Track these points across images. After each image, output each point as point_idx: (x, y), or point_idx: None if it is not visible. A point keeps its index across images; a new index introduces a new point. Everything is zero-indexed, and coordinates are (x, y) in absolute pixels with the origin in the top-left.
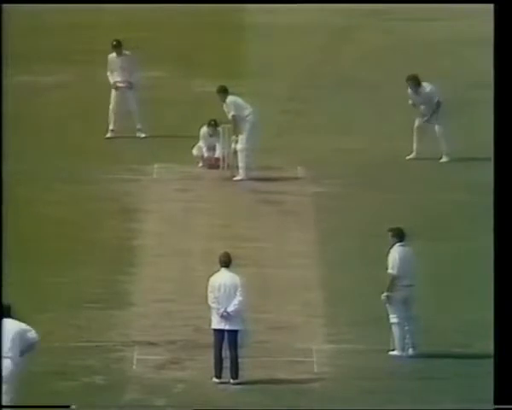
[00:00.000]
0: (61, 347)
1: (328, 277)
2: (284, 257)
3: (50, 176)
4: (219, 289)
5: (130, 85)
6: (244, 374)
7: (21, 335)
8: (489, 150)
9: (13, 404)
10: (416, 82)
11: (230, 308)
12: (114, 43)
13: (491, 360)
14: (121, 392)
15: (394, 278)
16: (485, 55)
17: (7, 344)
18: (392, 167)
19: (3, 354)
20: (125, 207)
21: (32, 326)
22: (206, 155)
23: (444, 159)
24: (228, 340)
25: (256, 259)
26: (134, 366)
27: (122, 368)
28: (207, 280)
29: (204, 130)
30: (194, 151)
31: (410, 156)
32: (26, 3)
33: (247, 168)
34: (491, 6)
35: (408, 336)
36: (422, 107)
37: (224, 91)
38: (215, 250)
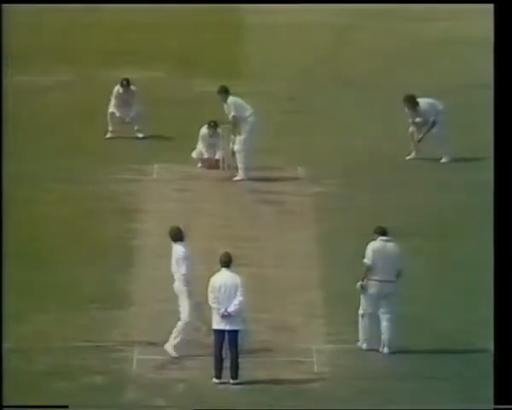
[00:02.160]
0: (61, 347)
1: (328, 277)
2: (284, 257)
3: (50, 176)
4: (220, 290)
5: (131, 119)
6: (244, 374)
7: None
8: (489, 150)
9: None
10: (413, 102)
11: (231, 308)
12: (124, 83)
13: (491, 360)
14: (121, 392)
15: (367, 269)
16: (485, 55)
17: (176, 266)
18: (391, 167)
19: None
20: (125, 207)
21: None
22: (206, 155)
23: (444, 159)
24: (228, 340)
25: (256, 259)
26: (134, 366)
27: (122, 368)
28: (208, 280)
29: (204, 131)
30: (194, 155)
31: (410, 157)
32: (25, 3)
33: (246, 169)
34: (491, 6)
35: (384, 333)
36: (420, 125)
37: (224, 92)
38: (215, 250)
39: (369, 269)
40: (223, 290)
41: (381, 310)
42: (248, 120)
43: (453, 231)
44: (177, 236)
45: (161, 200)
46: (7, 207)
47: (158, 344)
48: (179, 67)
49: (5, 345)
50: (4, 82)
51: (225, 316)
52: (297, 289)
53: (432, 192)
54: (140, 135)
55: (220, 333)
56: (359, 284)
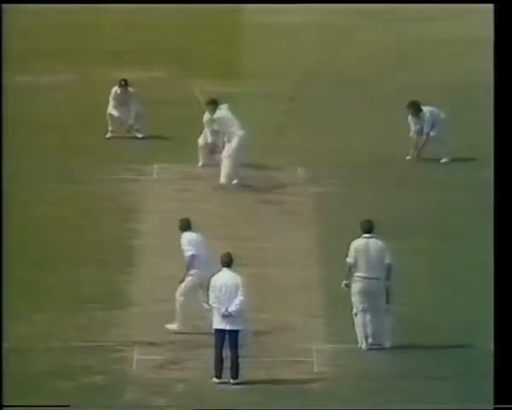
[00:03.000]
0: (61, 347)
1: (328, 277)
2: (284, 257)
3: (50, 176)
4: (221, 289)
5: (130, 126)
6: (244, 374)
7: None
8: (489, 150)
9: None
10: (417, 108)
11: (232, 308)
12: (122, 82)
13: (491, 360)
14: (121, 392)
15: (349, 267)
16: (485, 55)
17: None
18: (391, 167)
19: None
20: (125, 207)
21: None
22: (210, 140)
23: (444, 159)
24: (229, 340)
25: (256, 259)
26: (134, 366)
27: (122, 368)
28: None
29: (207, 116)
30: (200, 141)
31: (409, 157)
32: (26, 3)
33: (229, 175)
34: (491, 6)
35: (369, 328)
36: (419, 132)
37: (213, 104)
38: (215, 250)
39: (351, 267)
40: (224, 290)
41: (372, 307)
42: (235, 134)
43: (453, 231)
44: (184, 226)
45: (161, 200)
46: (7, 208)
47: (158, 344)
48: (179, 67)
49: (5, 345)
50: (4, 82)
51: (226, 316)
52: (297, 289)
53: (432, 192)
54: (140, 135)
55: (221, 333)
56: (344, 283)
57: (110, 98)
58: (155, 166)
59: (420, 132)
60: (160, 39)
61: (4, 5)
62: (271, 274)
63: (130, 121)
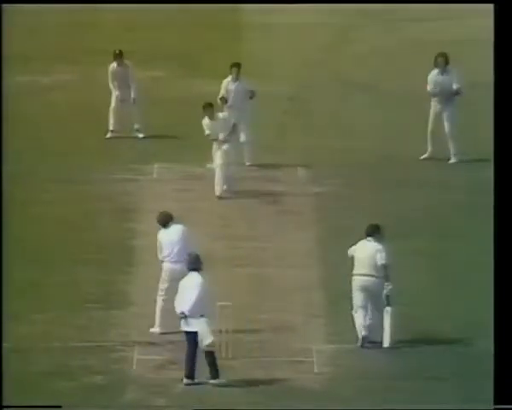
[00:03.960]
0: (61, 347)
1: (328, 277)
2: (284, 257)
3: (50, 176)
4: (178, 291)
5: (133, 100)
6: (244, 374)
7: (186, 237)
8: (489, 150)
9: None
10: (446, 60)
11: (183, 308)
12: (117, 52)
13: (491, 360)
14: (121, 392)
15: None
16: (485, 54)
17: (173, 250)
18: (391, 167)
19: (172, 259)
20: (125, 207)
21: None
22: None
23: (452, 160)
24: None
25: (256, 259)
26: (134, 366)
27: (122, 368)
28: (205, 279)
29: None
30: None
31: (425, 156)
32: (26, 3)
33: (222, 184)
34: (491, 6)
35: (367, 321)
36: (439, 96)
37: (210, 106)
38: (215, 250)
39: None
40: (180, 292)
41: (372, 305)
42: (226, 139)
43: (453, 231)
44: (162, 221)
45: (161, 200)
46: (6, 208)
47: (158, 344)
48: (179, 67)
49: (5, 345)
50: (4, 82)
51: (182, 317)
52: (297, 289)
53: (432, 192)
54: (140, 135)
55: (186, 334)
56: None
57: (109, 74)
58: (155, 166)
59: (443, 91)
60: (159, 39)
61: (4, 5)
62: (271, 274)
63: (133, 96)
